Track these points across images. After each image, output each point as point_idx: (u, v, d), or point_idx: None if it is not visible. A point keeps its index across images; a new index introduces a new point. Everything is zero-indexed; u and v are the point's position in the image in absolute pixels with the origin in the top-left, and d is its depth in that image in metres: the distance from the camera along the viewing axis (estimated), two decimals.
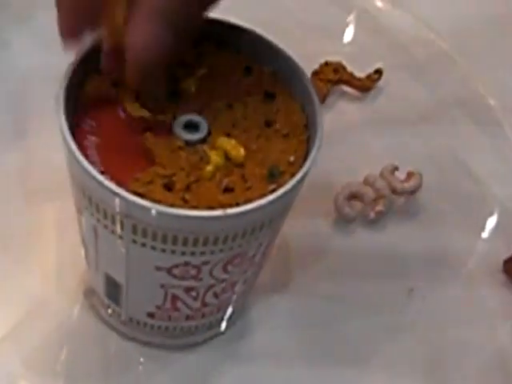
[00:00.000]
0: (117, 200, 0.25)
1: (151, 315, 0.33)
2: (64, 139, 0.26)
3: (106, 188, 0.25)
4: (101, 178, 0.25)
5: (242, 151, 0.28)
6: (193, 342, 0.36)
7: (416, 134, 0.47)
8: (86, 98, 0.28)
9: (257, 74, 0.31)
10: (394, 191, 0.42)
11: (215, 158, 0.27)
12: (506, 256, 0.41)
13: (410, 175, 0.42)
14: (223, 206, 0.26)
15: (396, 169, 0.42)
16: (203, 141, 0.28)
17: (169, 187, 0.27)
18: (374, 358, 0.38)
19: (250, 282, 0.34)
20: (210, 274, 0.29)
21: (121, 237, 0.27)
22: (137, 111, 0.28)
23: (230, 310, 0.35)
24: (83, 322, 0.36)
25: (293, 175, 0.28)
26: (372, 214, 0.41)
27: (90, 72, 0.29)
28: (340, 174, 0.43)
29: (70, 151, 0.26)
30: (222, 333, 0.37)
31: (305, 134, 0.29)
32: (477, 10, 0.55)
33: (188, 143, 0.28)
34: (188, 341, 0.36)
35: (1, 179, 0.40)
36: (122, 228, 0.27)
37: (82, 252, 0.33)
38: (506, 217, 0.44)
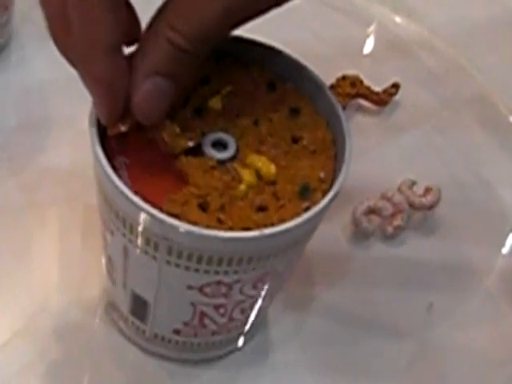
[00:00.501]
0: (153, 222, 0.25)
1: (177, 332, 0.33)
2: (98, 161, 0.26)
3: (143, 210, 0.25)
4: (137, 200, 0.25)
5: (273, 168, 0.28)
6: (210, 357, 0.36)
7: (434, 148, 0.47)
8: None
9: (280, 90, 0.31)
10: (412, 206, 0.42)
11: (247, 176, 0.28)
12: None
13: (428, 190, 0.42)
14: (258, 225, 0.26)
15: (414, 183, 0.42)
16: (233, 159, 0.28)
17: (203, 208, 0.27)
18: (392, 374, 0.37)
19: (275, 296, 0.34)
20: (241, 291, 0.29)
21: (154, 257, 0.27)
22: (169, 127, 0.28)
23: (249, 325, 0.35)
24: (103, 336, 0.36)
25: (323, 192, 0.28)
26: (390, 229, 0.41)
27: None
28: (358, 189, 0.42)
29: (104, 173, 0.26)
30: (239, 349, 0.37)
31: (332, 150, 0.30)
32: (495, 24, 0.55)
33: (219, 162, 0.28)
34: (205, 356, 0.36)
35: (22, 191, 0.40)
36: (156, 249, 0.27)
37: (104, 268, 0.34)
38: None
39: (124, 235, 0.28)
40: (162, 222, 0.25)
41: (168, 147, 0.28)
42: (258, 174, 0.28)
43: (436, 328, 0.39)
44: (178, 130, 0.28)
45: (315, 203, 0.27)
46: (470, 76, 0.52)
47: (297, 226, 0.26)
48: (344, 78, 0.48)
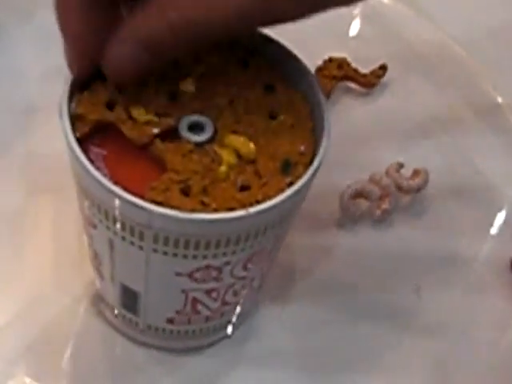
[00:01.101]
0: (137, 211, 0.25)
1: (171, 321, 0.32)
2: (74, 155, 0.25)
3: (125, 200, 0.25)
4: (118, 190, 0.25)
5: (252, 147, 0.28)
6: (199, 345, 0.36)
7: (421, 131, 0.47)
8: (86, 106, 0.28)
9: (253, 67, 0.30)
10: (399, 189, 0.41)
11: (227, 157, 0.27)
12: None
13: (416, 172, 0.42)
14: (242, 204, 0.26)
15: (402, 166, 0.42)
16: (211, 141, 0.28)
17: (186, 192, 0.26)
18: (381, 359, 0.37)
19: (265, 276, 0.34)
20: (231, 273, 0.29)
21: (141, 247, 0.27)
22: (143, 116, 0.28)
23: (241, 308, 0.35)
24: (90, 327, 0.36)
25: (305, 166, 0.28)
26: (378, 212, 0.41)
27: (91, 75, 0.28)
28: (345, 172, 0.42)
29: (82, 167, 0.25)
30: (228, 336, 0.37)
31: (310, 123, 0.29)
32: (487, 8, 0.54)
33: (197, 145, 0.28)
34: (194, 344, 0.36)
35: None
36: (141, 239, 0.26)
37: (91, 264, 0.33)
38: None
39: (108, 228, 0.27)
40: (145, 210, 0.24)
41: (135, 136, 0.27)
42: (238, 154, 0.28)
43: (423, 311, 0.39)
44: (143, 118, 0.28)
45: (298, 177, 0.27)
46: (458, 58, 0.52)
47: (282, 202, 0.26)
48: (331, 60, 0.47)
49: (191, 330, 0.34)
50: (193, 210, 0.25)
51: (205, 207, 0.26)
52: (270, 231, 0.28)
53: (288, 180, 0.27)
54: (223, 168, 0.27)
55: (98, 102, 0.28)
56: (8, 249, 0.38)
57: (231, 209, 0.26)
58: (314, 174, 0.27)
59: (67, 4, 0.26)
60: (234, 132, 0.28)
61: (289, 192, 0.26)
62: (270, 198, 0.26)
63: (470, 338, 0.39)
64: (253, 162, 0.28)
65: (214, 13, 0.24)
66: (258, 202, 0.26)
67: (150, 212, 0.25)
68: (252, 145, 0.28)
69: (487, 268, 0.41)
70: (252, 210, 0.25)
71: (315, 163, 0.27)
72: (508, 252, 0.41)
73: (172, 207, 0.25)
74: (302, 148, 0.28)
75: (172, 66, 0.30)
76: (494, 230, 0.43)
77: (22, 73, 0.45)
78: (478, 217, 0.44)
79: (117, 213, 0.26)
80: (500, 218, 0.44)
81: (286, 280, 0.39)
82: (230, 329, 0.36)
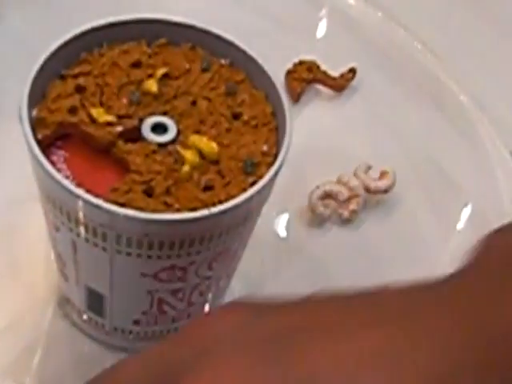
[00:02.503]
0: (98, 212, 0.25)
1: (137, 322, 0.32)
2: (34, 156, 0.25)
3: (87, 202, 0.24)
4: (80, 192, 0.24)
5: (215, 147, 0.28)
6: None
7: (389, 133, 0.47)
8: (47, 109, 0.28)
9: (215, 68, 0.31)
10: (367, 190, 0.42)
11: (190, 157, 0.27)
12: None
13: (383, 174, 0.42)
14: (205, 205, 0.26)
15: (369, 168, 0.42)
16: (174, 141, 0.28)
17: (149, 193, 0.26)
18: None
19: (231, 276, 0.34)
20: (196, 273, 0.29)
21: (104, 249, 0.27)
22: (103, 116, 0.28)
23: (208, 308, 0.35)
24: (57, 330, 0.36)
25: (268, 165, 0.28)
26: (346, 213, 0.41)
27: (52, 78, 0.28)
28: (314, 173, 0.42)
29: (42, 168, 0.25)
30: None
31: (273, 123, 0.29)
32: (449, 7, 0.55)
33: (160, 146, 0.28)
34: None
35: None
36: (104, 240, 0.26)
37: (55, 266, 0.33)
38: (478, 213, 0.44)
39: (71, 230, 0.27)
40: (106, 211, 0.24)
41: (98, 136, 0.27)
42: (201, 154, 0.28)
43: None
44: (103, 118, 0.28)
45: (261, 177, 0.27)
46: (424, 59, 0.52)
47: (244, 201, 0.26)
48: (300, 63, 0.47)
49: (158, 331, 0.33)
50: (156, 211, 0.25)
51: (168, 208, 0.26)
52: (233, 231, 0.28)
53: (251, 180, 0.27)
54: (186, 168, 0.27)
55: (60, 107, 0.28)
56: None
57: (194, 209, 0.26)
58: (275, 174, 0.27)
59: None
60: (197, 132, 0.28)
61: (251, 191, 0.26)
62: (232, 197, 0.26)
63: None
64: (216, 162, 0.28)
65: None
66: (221, 202, 0.26)
67: (112, 213, 0.25)
68: (215, 145, 0.28)
69: (453, 266, 0.42)
70: (214, 209, 0.25)
71: (277, 163, 0.27)
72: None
73: (135, 208, 0.25)
74: (265, 148, 0.28)
75: (134, 67, 0.30)
76: (459, 228, 0.44)
77: None
78: (444, 215, 0.44)
79: (79, 214, 0.26)
80: (465, 215, 0.44)
81: (253, 280, 0.39)
82: None
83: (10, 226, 0.39)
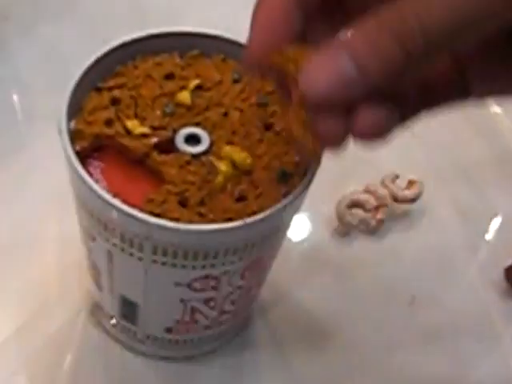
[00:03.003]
0: (136, 223, 0.25)
1: (169, 330, 0.33)
2: (73, 168, 0.26)
3: (124, 213, 0.25)
4: (117, 203, 0.25)
5: (248, 158, 0.28)
6: (197, 353, 0.36)
7: (416, 142, 0.47)
8: (84, 122, 0.28)
9: (246, 79, 0.31)
10: (395, 199, 0.42)
11: (223, 168, 0.28)
12: (507, 264, 0.41)
13: (410, 183, 0.42)
14: (239, 215, 0.26)
15: (397, 177, 0.43)
16: (207, 152, 0.28)
17: (183, 204, 0.27)
18: (375, 369, 0.37)
19: (262, 285, 0.34)
20: (229, 283, 0.29)
21: (140, 258, 0.27)
22: (138, 128, 0.28)
23: (239, 317, 0.35)
24: (88, 337, 0.36)
25: (301, 176, 0.28)
26: (373, 222, 0.41)
27: (88, 90, 0.29)
28: (341, 183, 0.42)
29: (80, 179, 0.26)
30: (226, 344, 0.37)
31: None
32: None
33: (193, 156, 0.28)
34: (192, 352, 0.36)
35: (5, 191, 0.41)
36: (140, 250, 0.27)
37: (89, 275, 0.33)
38: (506, 224, 0.44)
39: (107, 240, 0.28)
40: (144, 222, 0.25)
41: (133, 147, 0.28)
42: (234, 165, 0.28)
43: (418, 320, 0.39)
44: (138, 130, 0.28)
45: (293, 187, 0.27)
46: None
47: (278, 212, 0.26)
48: None
49: (189, 339, 0.34)
50: (190, 221, 0.26)
51: (202, 218, 0.26)
52: (266, 240, 0.28)
53: (283, 190, 0.28)
54: (220, 179, 0.27)
55: (96, 119, 0.28)
56: (9, 261, 0.38)
57: (229, 219, 0.26)
58: (308, 184, 0.27)
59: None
60: (230, 143, 0.29)
61: (285, 202, 0.26)
62: (265, 208, 0.26)
63: (465, 348, 0.39)
64: (249, 172, 0.28)
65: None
66: (255, 213, 0.26)
67: (149, 224, 0.25)
68: (248, 155, 0.28)
69: (482, 277, 0.42)
70: (249, 220, 0.26)
71: (310, 173, 0.27)
72: (502, 261, 0.41)
73: (170, 219, 0.26)
74: (297, 158, 0.29)
75: (167, 79, 0.30)
76: (487, 239, 0.44)
77: (24, 84, 0.46)
78: (471, 226, 0.44)
79: (116, 225, 0.26)
80: (493, 226, 0.44)
81: (282, 288, 0.39)
82: (227, 337, 0.36)
83: (44, 234, 0.39)
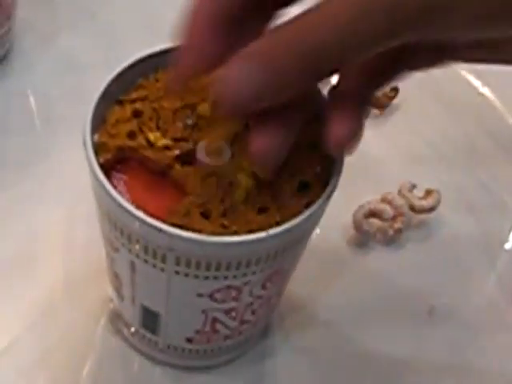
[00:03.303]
0: (160, 235, 0.25)
1: (190, 340, 0.33)
2: (98, 181, 0.26)
3: (148, 224, 0.25)
4: (142, 215, 0.25)
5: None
6: (216, 363, 0.36)
7: (433, 151, 0.47)
8: (107, 134, 0.29)
9: None
10: (412, 209, 0.42)
11: (245, 179, 0.28)
12: None
13: (428, 193, 0.42)
14: (261, 226, 0.27)
15: (414, 186, 0.42)
16: (228, 164, 0.28)
17: (206, 215, 0.27)
18: (395, 379, 0.37)
19: (281, 294, 0.34)
20: (250, 293, 0.30)
21: (163, 269, 0.27)
22: (160, 140, 0.28)
23: (259, 326, 0.35)
24: (107, 345, 0.37)
25: (321, 186, 0.28)
26: (391, 232, 0.41)
27: (111, 103, 0.29)
28: (358, 192, 0.42)
29: (105, 191, 0.26)
30: (244, 355, 0.37)
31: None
32: None
33: (215, 168, 0.28)
34: (211, 362, 0.36)
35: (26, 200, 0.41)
36: (163, 261, 0.27)
37: (110, 285, 0.34)
38: None
39: (130, 251, 0.28)
40: (168, 234, 0.25)
41: (156, 159, 0.28)
42: (255, 176, 0.28)
43: (437, 331, 0.39)
44: (160, 142, 0.28)
45: (314, 198, 0.28)
46: (468, 79, 0.52)
47: (300, 223, 0.26)
48: None
49: (210, 349, 0.34)
50: (213, 233, 0.26)
51: (225, 230, 0.26)
52: (288, 251, 0.28)
53: (305, 201, 0.28)
54: (241, 191, 0.28)
55: (119, 132, 0.28)
56: (23, 268, 0.38)
57: (251, 231, 0.26)
58: (330, 195, 0.27)
59: (200, 13, 0.25)
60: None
61: (306, 213, 0.26)
62: (287, 219, 0.27)
63: (487, 360, 0.38)
64: (269, 183, 0.28)
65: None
66: (277, 224, 0.26)
67: (172, 236, 0.25)
68: None
69: (501, 286, 0.41)
70: (272, 231, 0.26)
71: (331, 184, 0.27)
72: None
73: (193, 230, 0.26)
74: (318, 169, 0.29)
75: (189, 91, 0.30)
76: (507, 249, 0.43)
77: (42, 94, 0.47)
78: (490, 236, 0.44)
79: (139, 237, 0.26)
80: None
81: (299, 298, 0.39)
82: (246, 347, 0.37)
83: (66, 242, 0.40)
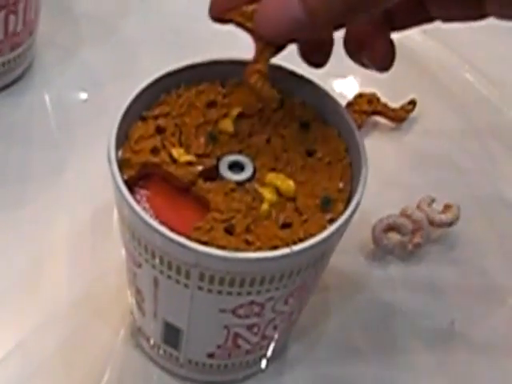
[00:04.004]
0: (185, 251, 0.25)
1: (211, 355, 0.33)
2: (122, 197, 0.26)
3: (173, 241, 0.25)
4: (166, 231, 0.25)
5: (292, 184, 0.28)
6: (234, 378, 0.36)
7: (452, 165, 0.47)
8: (131, 150, 0.29)
9: (288, 105, 0.31)
10: (431, 223, 0.41)
11: (268, 195, 0.28)
12: None
13: (447, 207, 0.42)
14: (285, 242, 0.27)
15: (433, 200, 0.42)
16: (251, 179, 0.29)
17: (229, 231, 0.27)
18: None
19: (302, 309, 0.34)
20: (273, 309, 0.29)
21: (186, 285, 0.27)
22: (183, 156, 0.29)
23: (280, 341, 0.35)
24: (127, 359, 0.36)
25: (344, 201, 0.28)
26: (410, 246, 0.41)
27: (134, 119, 0.30)
28: (377, 206, 0.42)
29: (129, 208, 0.26)
30: (262, 370, 0.37)
31: (347, 159, 0.30)
32: (509, 39, 0.53)
33: (238, 184, 0.28)
34: (230, 377, 0.36)
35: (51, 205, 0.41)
36: (187, 277, 0.27)
37: (133, 300, 0.34)
38: None
39: (154, 267, 0.28)
40: (192, 250, 0.25)
41: (179, 175, 0.28)
42: (278, 192, 0.28)
43: (458, 347, 0.39)
44: (183, 158, 0.28)
45: (338, 214, 0.28)
46: (485, 91, 0.52)
47: (324, 240, 0.26)
48: (361, 95, 0.48)
49: (230, 364, 0.34)
50: (238, 249, 0.26)
51: (249, 245, 0.27)
52: (311, 267, 0.28)
53: (328, 217, 0.28)
54: (265, 206, 0.28)
55: (143, 148, 0.29)
56: (44, 281, 0.39)
57: (275, 247, 0.26)
58: (354, 211, 0.27)
59: None
60: (273, 170, 0.29)
61: (330, 230, 0.26)
62: (311, 235, 0.27)
63: (507, 375, 0.38)
64: (293, 199, 0.28)
65: None
66: (301, 240, 0.26)
67: (197, 252, 0.25)
68: (291, 182, 0.28)
69: None
70: (296, 247, 0.26)
71: (355, 200, 0.27)
72: None
73: (217, 246, 0.26)
74: (341, 184, 0.29)
75: (210, 106, 0.31)
76: None
77: (63, 107, 0.47)
78: (510, 251, 0.43)
79: (163, 253, 0.26)
80: None
81: (319, 312, 0.39)
82: (264, 362, 0.36)
83: (86, 254, 0.40)
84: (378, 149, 0.47)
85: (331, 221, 0.27)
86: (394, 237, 0.41)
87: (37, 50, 0.49)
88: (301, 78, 0.31)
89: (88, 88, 0.47)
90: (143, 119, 0.30)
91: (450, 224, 0.42)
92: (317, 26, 0.25)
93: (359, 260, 0.42)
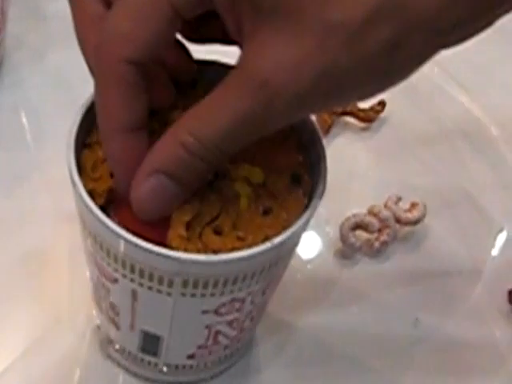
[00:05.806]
0: (169, 262, 0.25)
1: (191, 356, 0.33)
2: (96, 218, 0.26)
3: (156, 253, 0.25)
4: (149, 246, 0.25)
5: (259, 171, 0.28)
6: (200, 378, 0.36)
7: (419, 164, 0.48)
8: (91, 180, 0.28)
9: None
10: (398, 221, 0.42)
11: (242, 187, 0.28)
12: (511, 286, 0.41)
13: (413, 205, 0.43)
14: (274, 229, 0.27)
15: (400, 199, 0.43)
16: (220, 177, 0.28)
17: (218, 232, 0.27)
18: None
19: (273, 295, 0.34)
20: (252, 302, 0.30)
21: (169, 294, 0.27)
22: None
23: (253, 331, 0.36)
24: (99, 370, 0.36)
25: (308, 173, 0.29)
26: (377, 244, 0.42)
27: (81, 148, 0.29)
28: (344, 205, 0.43)
29: (109, 230, 0.26)
30: (229, 368, 0.37)
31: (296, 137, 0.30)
32: (478, 42, 0.54)
33: (209, 185, 0.28)
34: (196, 377, 0.36)
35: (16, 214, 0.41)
36: (170, 286, 0.27)
37: (103, 316, 0.33)
38: (510, 246, 0.45)
39: (132, 280, 0.28)
40: (178, 260, 0.25)
41: None
42: (249, 182, 0.28)
43: (422, 343, 0.40)
44: None
45: (307, 186, 0.29)
46: (453, 91, 0.53)
47: (302, 226, 0.27)
48: None
49: (210, 362, 0.34)
50: (233, 248, 0.26)
51: (243, 242, 0.27)
52: (287, 256, 0.29)
53: (300, 191, 0.28)
54: (243, 199, 0.28)
55: (102, 175, 0.28)
56: (18, 285, 0.38)
57: (267, 237, 0.27)
58: (322, 193, 0.28)
59: (108, 129, 0.26)
60: (237, 162, 0.29)
61: (307, 214, 0.27)
62: (293, 215, 0.27)
63: (469, 370, 0.39)
64: (264, 184, 0.28)
65: (221, 123, 0.24)
66: (288, 222, 0.27)
67: (185, 261, 0.25)
68: (259, 169, 0.29)
69: (485, 299, 0.42)
70: (276, 240, 0.26)
71: (321, 182, 0.28)
72: (505, 283, 0.42)
73: (212, 251, 0.26)
74: (300, 158, 0.30)
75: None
76: (490, 261, 0.44)
77: (33, 109, 0.46)
78: (474, 249, 0.44)
79: (145, 265, 0.26)
80: (496, 249, 0.45)
81: (284, 310, 0.39)
82: (231, 361, 0.36)
83: (52, 260, 0.39)
84: (348, 148, 0.48)
85: (304, 195, 0.28)
86: (362, 235, 0.42)
87: (6, 51, 0.48)
88: None
89: (58, 89, 0.47)
90: (89, 146, 0.29)
91: (417, 222, 0.43)
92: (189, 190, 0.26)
93: (327, 257, 0.42)
